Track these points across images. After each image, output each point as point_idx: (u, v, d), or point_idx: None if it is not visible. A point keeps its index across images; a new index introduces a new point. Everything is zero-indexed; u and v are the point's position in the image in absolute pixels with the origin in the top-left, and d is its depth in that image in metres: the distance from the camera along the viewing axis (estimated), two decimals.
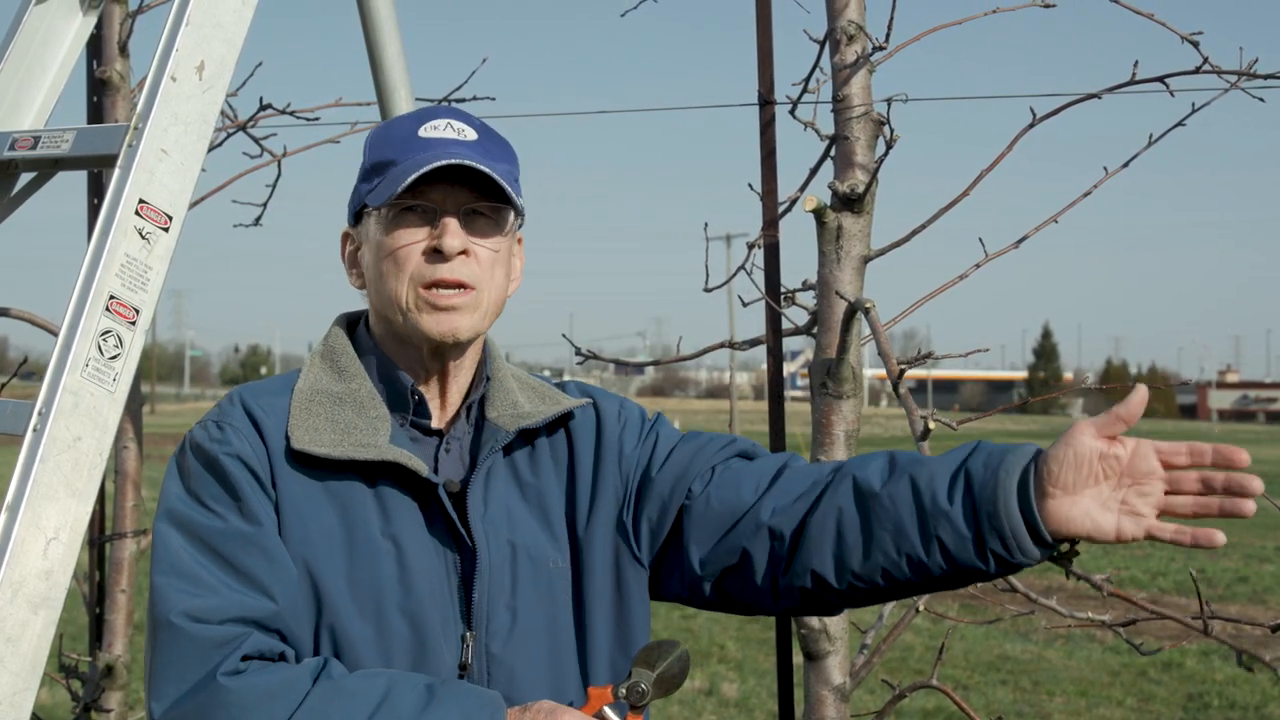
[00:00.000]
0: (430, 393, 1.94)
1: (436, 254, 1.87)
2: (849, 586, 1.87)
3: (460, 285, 1.88)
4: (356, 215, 1.97)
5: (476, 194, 1.90)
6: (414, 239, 1.88)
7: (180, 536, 1.80)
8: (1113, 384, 3.05)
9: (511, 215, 1.95)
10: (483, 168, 1.86)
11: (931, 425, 2.02)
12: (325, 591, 1.79)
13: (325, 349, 1.98)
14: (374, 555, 1.81)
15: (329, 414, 1.87)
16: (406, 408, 1.92)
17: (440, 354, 1.92)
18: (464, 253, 1.88)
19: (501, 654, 1.86)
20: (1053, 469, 1.73)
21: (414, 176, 1.84)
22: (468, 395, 1.97)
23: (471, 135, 1.93)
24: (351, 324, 2.03)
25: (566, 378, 2.20)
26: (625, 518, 1.97)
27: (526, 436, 1.96)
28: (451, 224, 1.88)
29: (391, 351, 1.94)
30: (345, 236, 2.01)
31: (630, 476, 2.00)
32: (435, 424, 1.94)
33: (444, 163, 1.85)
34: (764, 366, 2.97)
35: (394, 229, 1.89)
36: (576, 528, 1.96)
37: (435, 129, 1.92)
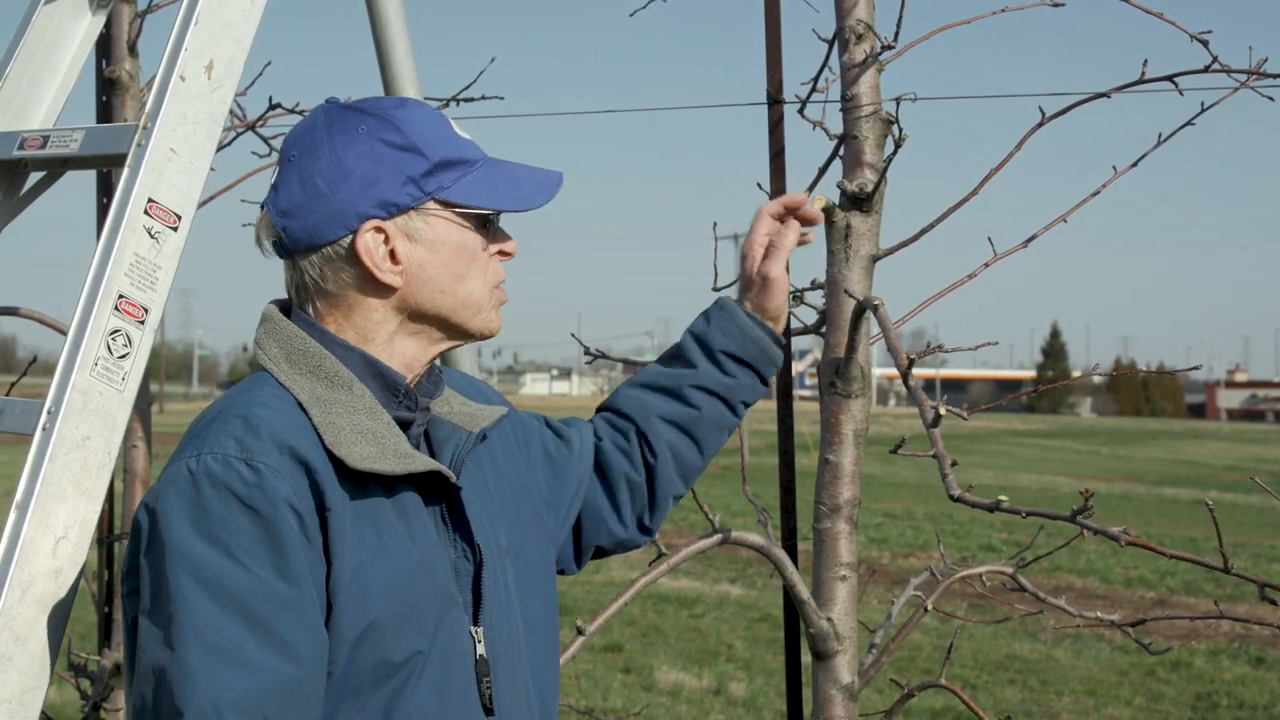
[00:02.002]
0: (415, 368, 1.94)
1: (502, 255, 1.96)
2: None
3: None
4: (396, 204, 1.85)
5: None
6: (481, 242, 1.93)
7: (205, 595, 1.63)
8: (1122, 370, 3.04)
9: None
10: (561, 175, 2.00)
11: (943, 412, 2.01)
12: (375, 617, 1.73)
13: (290, 353, 1.85)
14: (412, 571, 1.78)
15: (352, 424, 1.79)
16: (396, 401, 1.89)
17: (451, 349, 1.98)
18: None
19: (502, 645, 1.89)
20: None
21: (553, 194, 1.95)
22: (420, 391, 1.96)
23: None
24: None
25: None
26: (542, 507, 2.15)
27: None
28: (505, 232, 1.97)
29: (388, 348, 1.89)
30: (372, 229, 1.84)
31: (536, 466, 2.17)
32: (415, 416, 1.93)
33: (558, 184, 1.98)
34: None
35: (468, 231, 1.91)
36: (517, 519, 2.04)
37: (462, 129, 1.96)
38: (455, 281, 1.88)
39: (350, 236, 1.84)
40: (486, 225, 1.93)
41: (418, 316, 1.89)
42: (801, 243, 2.38)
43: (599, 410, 2.38)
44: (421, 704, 1.76)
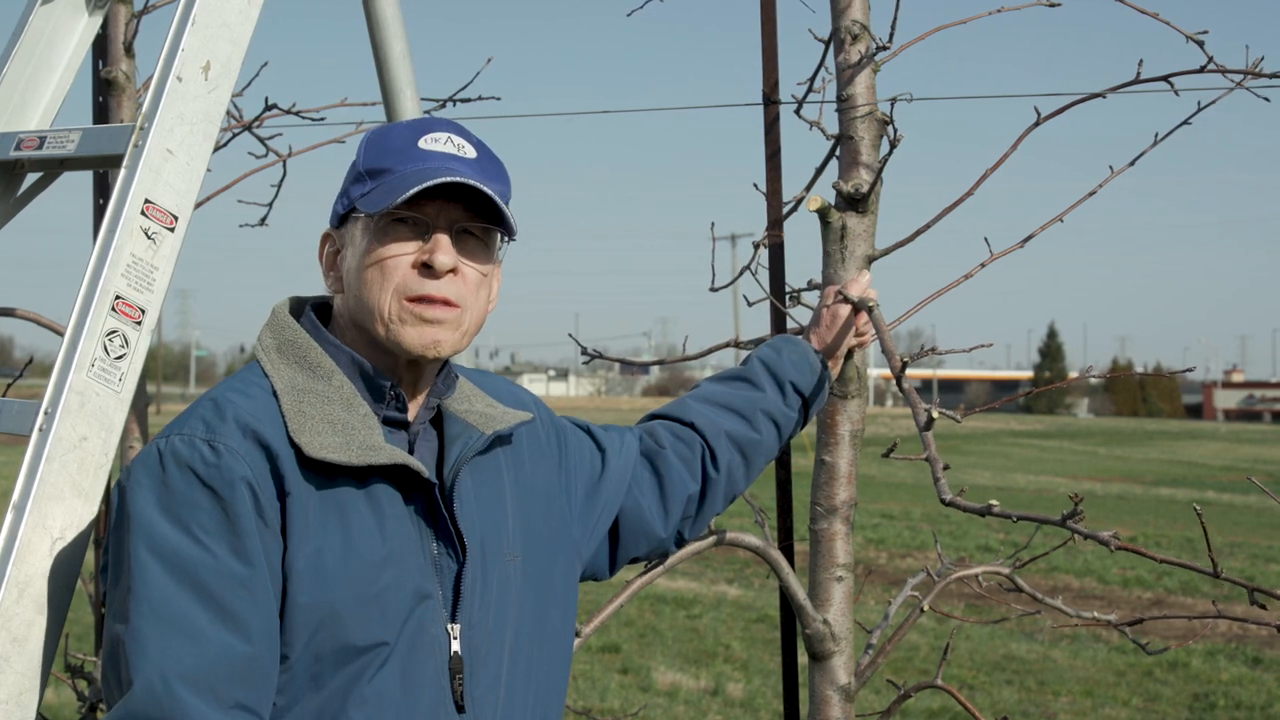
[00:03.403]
0: (404, 388, 1.94)
1: (426, 269, 1.88)
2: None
3: (446, 302, 1.88)
4: (341, 217, 1.95)
5: (470, 213, 1.91)
6: (403, 250, 1.87)
7: (162, 569, 1.70)
8: (1118, 373, 3.05)
9: (499, 238, 1.97)
10: (484, 188, 1.87)
11: (935, 415, 2.02)
12: (333, 603, 1.76)
13: (281, 343, 1.92)
14: (377, 561, 1.80)
15: (323, 414, 1.82)
16: (383, 402, 1.90)
17: (416, 365, 1.93)
18: (453, 270, 1.88)
19: (481, 644, 1.89)
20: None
21: (416, 190, 1.83)
22: (432, 391, 1.97)
23: (471, 152, 1.93)
24: (297, 315, 1.98)
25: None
26: (571, 517, 2.14)
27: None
28: (444, 241, 1.88)
29: (365, 354, 1.92)
30: (326, 238, 1.98)
31: (573, 477, 2.16)
32: (409, 417, 1.94)
33: (446, 180, 1.85)
34: None
35: (383, 238, 1.87)
36: (536, 525, 2.03)
37: (435, 142, 1.91)
38: (359, 286, 1.90)
39: None
40: (400, 233, 1.88)
41: (358, 324, 1.92)
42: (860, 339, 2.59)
43: (656, 416, 2.40)
44: (381, 690, 1.78)
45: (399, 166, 1.89)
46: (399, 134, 1.93)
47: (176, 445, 1.76)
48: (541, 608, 2.01)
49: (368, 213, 1.87)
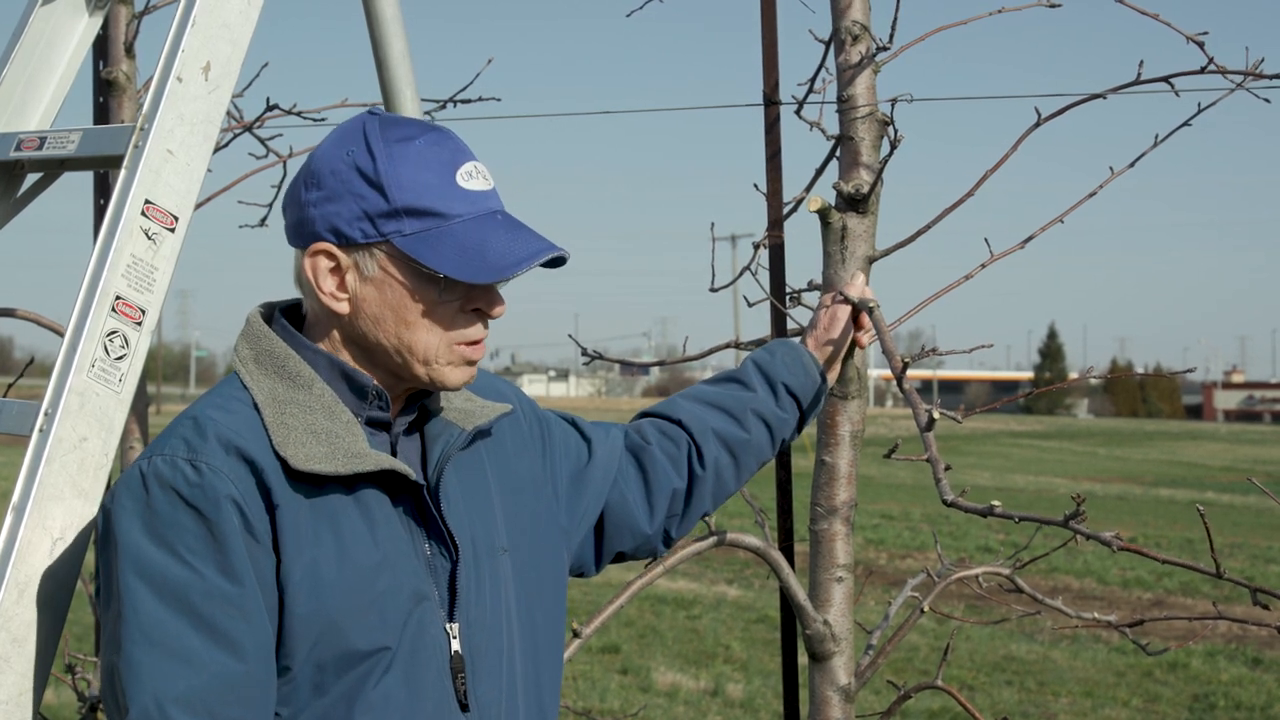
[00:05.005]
0: (387, 390, 1.91)
1: (477, 314, 1.87)
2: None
3: (481, 342, 1.90)
4: (347, 237, 1.83)
5: None
6: (454, 296, 1.85)
7: (150, 593, 1.68)
8: (1118, 373, 3.05)
9: None
10: (565, 255, 1.88)
11: (937, 416, 2.02)
12: (332, 612, 1.75)
13: (259, 353, 1.87)
14: (372, 567, 1.79)
15: (305, 424, 1.79)
16: (365, 400, 1.87)
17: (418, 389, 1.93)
18: None
19: (482, 642, 1.89)
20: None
21: (517, 273, 1.82)
22: (413, 391, 1.94)
23: (491, 180, 1.90)
24: (269, 321, 1.93)
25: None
26: (558, 506, 2.13)
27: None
28: (498, 294, 1.89)
29: (361, 363, 1.88)
30: (324, 253, 1.83)
31: (558, 466, 2.16)
32: (390, 416, 1.92)
33: (552, 255, 1.85)
34: None
35: (435, 285, 1.83)
36: (524, 517, 2.03)
37: (470, 178, 1.85)
38: (400, 326, 1.84)
39: (300, 252, 1.87)
40: (463, 282, 1.84)
41: (367, 346, 1.87)
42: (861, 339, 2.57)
43: (645, 415, 2.40)
44: (386, 694, 1.78)
45: (450, 210, 1.82)
46: (429, 165, 1.83)
47: (159, 466, 1.73)
48: (534, 599, 2.01)
49: (439, 273, 1.80)
